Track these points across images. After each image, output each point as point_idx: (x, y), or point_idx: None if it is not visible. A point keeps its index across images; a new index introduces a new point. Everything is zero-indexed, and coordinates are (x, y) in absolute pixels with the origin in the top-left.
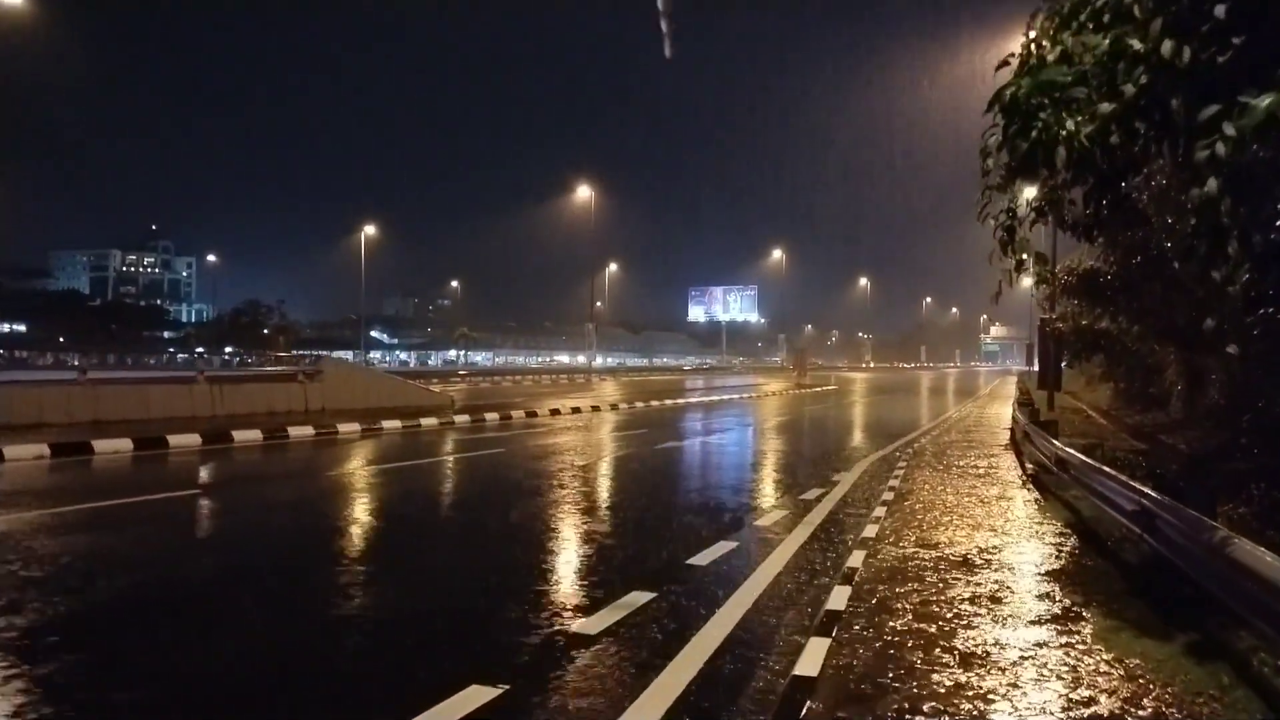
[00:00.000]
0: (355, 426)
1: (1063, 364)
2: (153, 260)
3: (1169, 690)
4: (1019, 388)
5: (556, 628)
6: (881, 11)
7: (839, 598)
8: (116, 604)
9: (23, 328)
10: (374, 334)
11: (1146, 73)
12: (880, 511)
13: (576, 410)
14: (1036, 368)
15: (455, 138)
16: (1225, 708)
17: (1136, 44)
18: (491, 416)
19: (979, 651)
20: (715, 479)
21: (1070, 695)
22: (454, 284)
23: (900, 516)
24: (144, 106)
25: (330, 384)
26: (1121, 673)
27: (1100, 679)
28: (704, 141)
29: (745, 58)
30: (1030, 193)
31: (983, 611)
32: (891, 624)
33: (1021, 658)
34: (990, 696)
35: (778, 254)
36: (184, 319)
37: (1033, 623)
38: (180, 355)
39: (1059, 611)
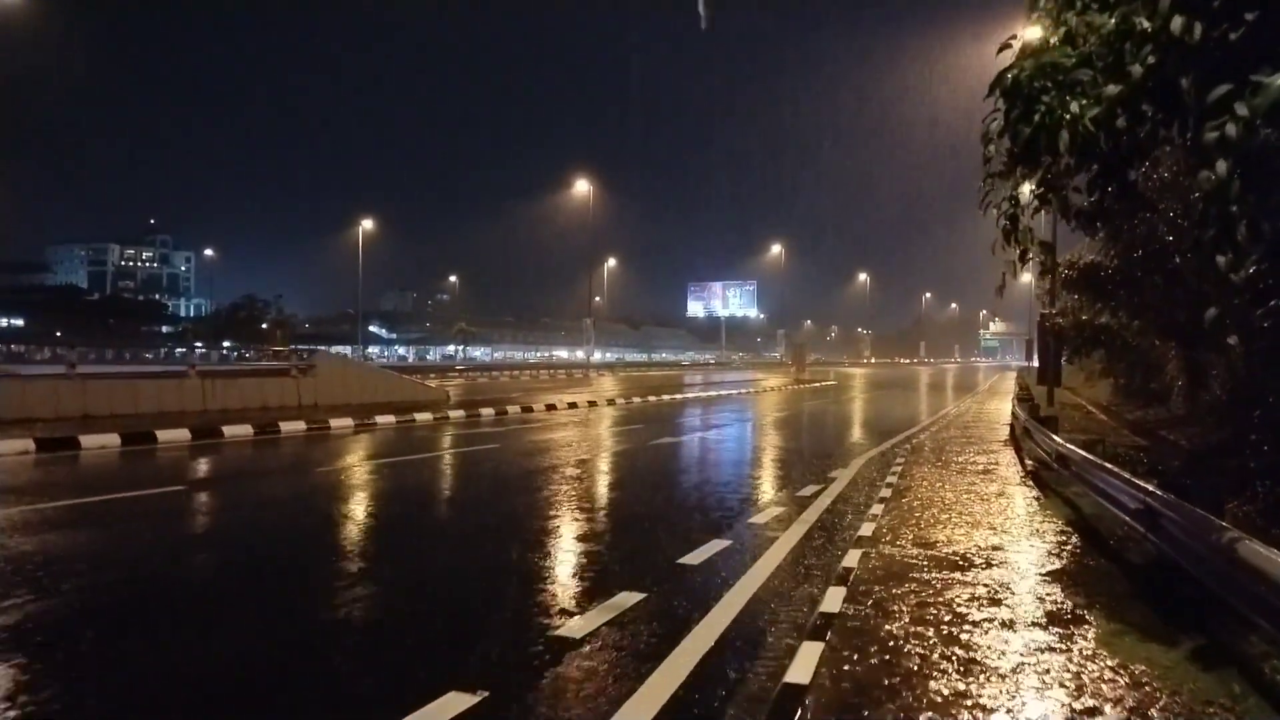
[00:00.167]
0: (348, 422)
1: (1063, 359)
2: (151, 255)
3: (1177, 699)
4: (1018, 383)
5: (541, 631)
6: (882, 11)
7: (834, 599)
8: (97, 603)
9: (20, 322)
10: (372, 329)
11: (1155, 52)
12: (878, 509)
13: (573, 405)
14: (1036, 363)
15: (455, 136)
16: (1237, 718)
17: (1145, 22)
18: (487, 412)
19: (978, 657)
20: (711, 475)
21: (1073, 704)
22: (453, 279)
23: (898, 514)
24: (143, 103)
25: (323, 379)
26: (1127, 680)
27: (1105, 686)
28: (704, 141)
29: (745, 58)
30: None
31: (982, 614)
32: (888, 627)
33: (1022, 664)
34: (990, 706)
35: (777, 250)
36: (182, 313)
37: (1034, 626)
38: (178, 350)
39: (1061, 614)
